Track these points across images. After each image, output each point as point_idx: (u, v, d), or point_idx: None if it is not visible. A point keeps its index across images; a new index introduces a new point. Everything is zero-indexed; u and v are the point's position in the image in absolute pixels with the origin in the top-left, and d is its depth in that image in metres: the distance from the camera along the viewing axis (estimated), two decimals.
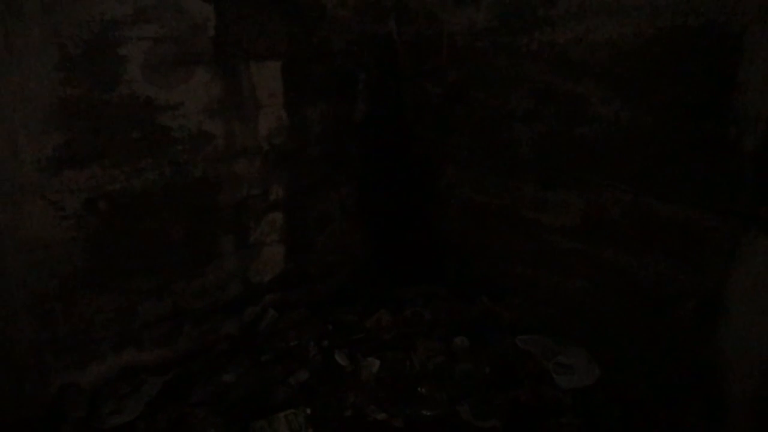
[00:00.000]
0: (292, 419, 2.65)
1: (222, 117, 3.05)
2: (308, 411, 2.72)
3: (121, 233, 2.84)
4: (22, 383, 2.69)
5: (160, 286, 3.03)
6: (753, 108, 2.34)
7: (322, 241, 3.69)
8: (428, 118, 3.73)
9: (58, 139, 2.55)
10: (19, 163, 2.47)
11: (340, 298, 3.65)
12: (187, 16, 2.82)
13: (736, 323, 2.51)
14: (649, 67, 2.66)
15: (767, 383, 2.43)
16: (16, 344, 2.63)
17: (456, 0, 3.37)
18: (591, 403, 2.82)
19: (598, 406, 2.79)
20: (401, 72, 3.76)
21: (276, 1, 3.11)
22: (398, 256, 3.93)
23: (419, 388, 2.90)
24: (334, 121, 3.55)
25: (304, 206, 3.54)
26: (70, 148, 2.59)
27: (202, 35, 2.89)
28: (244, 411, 2.73)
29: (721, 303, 2.55)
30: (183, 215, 3.03)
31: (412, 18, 3.63)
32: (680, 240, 2.67)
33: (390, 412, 2.79)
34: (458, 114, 3.53)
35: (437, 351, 3.12)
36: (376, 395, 2.87)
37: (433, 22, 3.53)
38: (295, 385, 2.91)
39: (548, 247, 3.21)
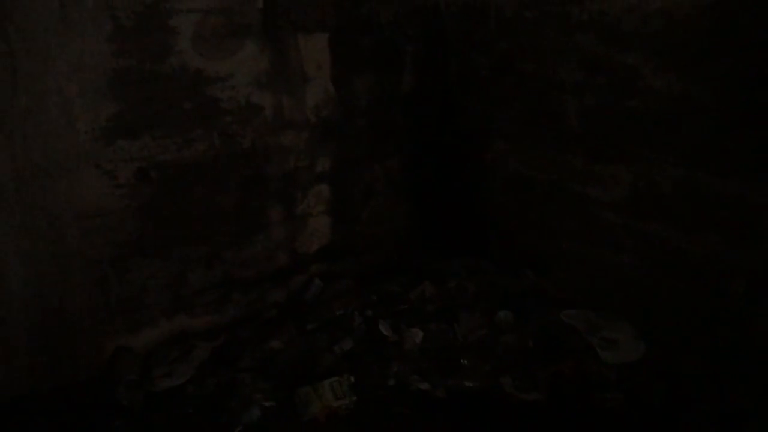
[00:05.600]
0: (336, 386, 2.69)
1: (270, 89, 3.07)
2: (352, 379, 2.76)
3: (173, 203, 2.91)
4: (78, 346, 2.80)
5: (210, 255, 3.09)
6: None
7: (368, 212, 3.71)
8: (475, 90, 3.68)
9: (111, 109, 2.62)
10: (74, 133, 2.55)
11: (384, 270, 3.66)
12: None
13: None
14: (705, 37, 2.57)
15: None
16: (73, 308, 2.74)
17: None
18: (636, 379, 2.78)
19: (644, 382, 2.76)
20: (448, 43, 3.72)
21: None
22: (443, 229, 3.92)
23: (462, 360, 2.91)
24: (380, 94, 3.54)
25: (350, 178, 3.56)
26: (122, 119, 2.66)
27: (251, 7, 2.91)
28: (290, 377, 2.79)
29: None
30: (232, 186, 3.08)
31: None
32: (733, 215, 2.60)
33: (432, 382, 2.81)
34: (506, 86, 3.48)
35: (481, 323, 3.11)
36: (419, 365, 2.89)
37: None
38: (339, 354, 2.95)
39: (596, 221, 3.16)
